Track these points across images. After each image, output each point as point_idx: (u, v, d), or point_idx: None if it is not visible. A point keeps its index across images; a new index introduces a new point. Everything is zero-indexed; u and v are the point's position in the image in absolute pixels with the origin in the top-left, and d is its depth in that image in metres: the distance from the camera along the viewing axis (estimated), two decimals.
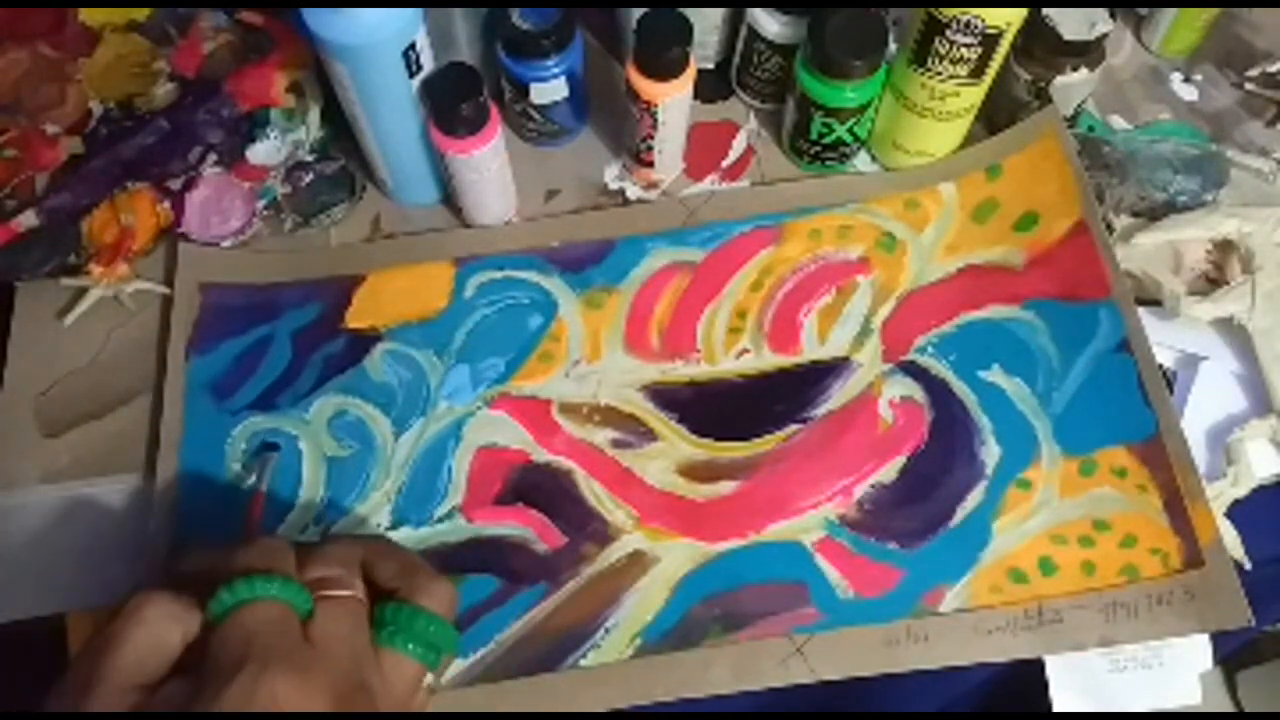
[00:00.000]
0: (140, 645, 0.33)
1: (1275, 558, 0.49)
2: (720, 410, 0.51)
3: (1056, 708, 0.47)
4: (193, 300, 0.53)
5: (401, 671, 0.36)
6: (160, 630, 0.34)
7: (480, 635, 0.46)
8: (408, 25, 0.46)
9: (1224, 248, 0.54)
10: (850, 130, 0.54)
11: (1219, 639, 0.47)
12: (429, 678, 0.38)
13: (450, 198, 0.56)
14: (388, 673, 0.36)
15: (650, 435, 0.51)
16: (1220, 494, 0.49)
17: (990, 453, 0.50)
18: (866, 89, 0.52)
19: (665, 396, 0.52)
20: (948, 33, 0.48)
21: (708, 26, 0.56)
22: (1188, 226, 0.54)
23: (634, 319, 0.53)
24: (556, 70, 0.53)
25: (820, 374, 0.52)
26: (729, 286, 0.54)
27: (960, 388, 0.51)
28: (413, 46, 0.47)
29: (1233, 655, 0.51)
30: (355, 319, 0.53)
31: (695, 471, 0.50)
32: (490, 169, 0.52)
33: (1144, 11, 0.62)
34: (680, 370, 0.52)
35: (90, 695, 0.32)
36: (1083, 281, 0.53)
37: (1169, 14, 0.60)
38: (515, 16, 0.51)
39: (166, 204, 0.55)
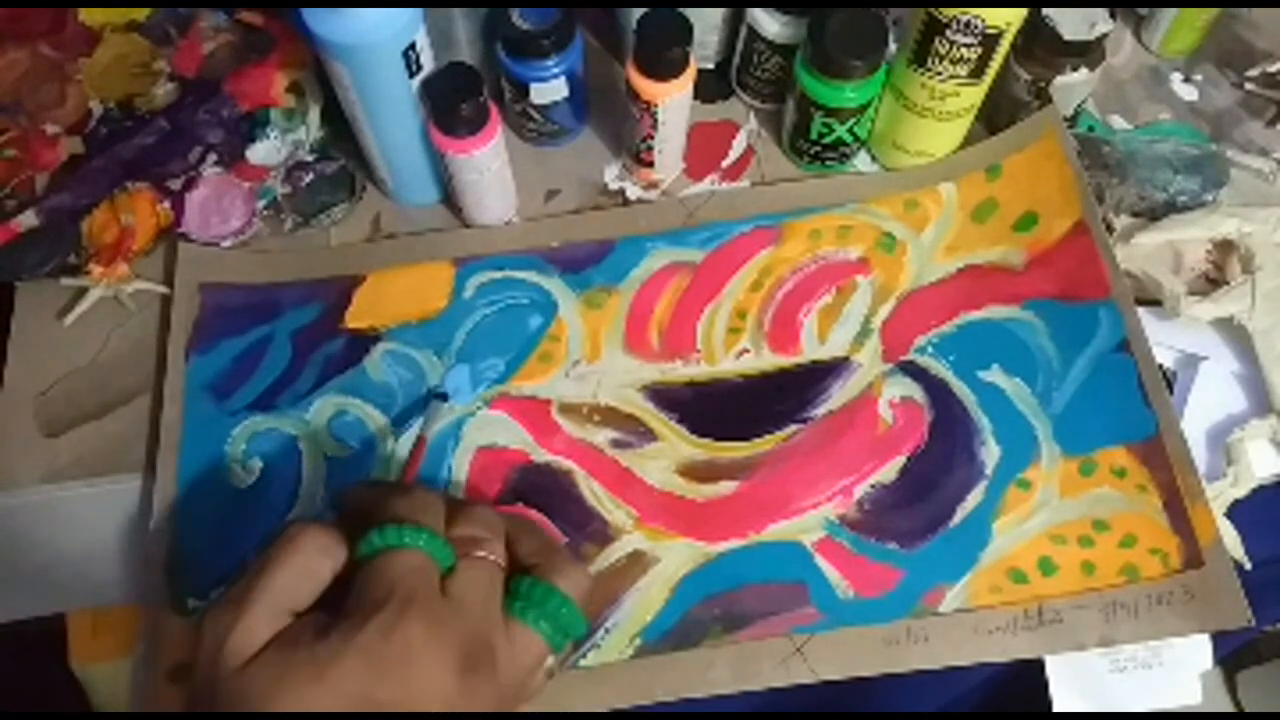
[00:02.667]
0: (294, 571, 0.35)
1: (1275, 558, 0.49)
2: (720, 410, 0.51)
3: (1057, 708, 0.47)
4: (192, 300, 0.53)
5: (527, 646, 0.37)
6: (313, 560, 0.35)
7: None
8: (408, 25, 0.46)
9: (1224, 248, 0.54)
10: (850, 130, 0.54)
11: (1219, 639, 0.47)
12: (550, 660, 0.38)
13: (450, 198, 0.56)
14: (514, 644, 0.36)
15: (650, 435, 0.51)
16: (1220, 494, 0.49)
17: (990, 453, 0.50)
18: (866, 89, 0.52)
19: (665, 396, 0.52)
20: (948, 33, 0.48)
21: (708, 26, 0.56)
22: (1188, 226, 0.54)
23: (634, 319, 0.53)
24: (556, 70, 0.53)
25: (820, 374, 0.52)
26: (729, 286, 0.54)
27: (960, 388, 0.51)
28: (413, 46, 0.47)
29: (1233, 655, 0.51)
30: (355, 319, 0.53)
31: (695, 472, 0.50)
32: (490, 169, 0.52)
33: (1144, 11, 0.62)
34: (680, 370, 0.52)
35: (244, 613, 0.33)
36: (1082, 282, 0.53)
37: (1169, 14, 0.60)
38: (515, 16, 0.51)
39: (166, 204, 0.55)
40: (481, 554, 0.37)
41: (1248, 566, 0.48)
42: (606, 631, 0.46)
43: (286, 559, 0.35)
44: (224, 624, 0.33)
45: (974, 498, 0.49)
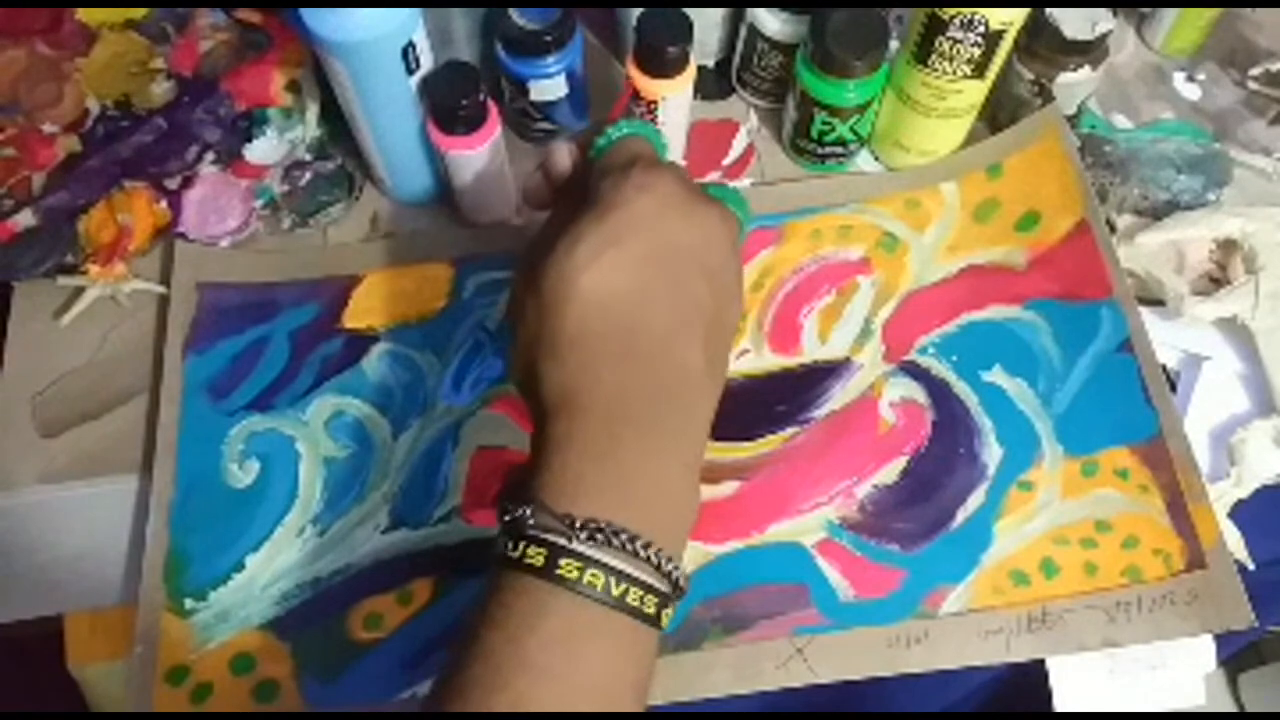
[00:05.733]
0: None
1: (1278, 559, 0.49)
2: (721, 410, 0.51)
3: (1059, 709, 0.46)
4: (189, 299, 0.53)
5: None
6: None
7: None
8: (406, 23, 0.46)
9: (1227, 247, 0.54)
10: (851, 129, 0.54)
11: (1222, 640, 0.47)
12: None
13: (449, 197, 0.55)
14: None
15: None
16: (1223, 494, 0.49)
17: (992, 454, 0.49)
18: (867, 87, 0.51)
19: None
20: (950, 31, 0.48)
21: (708, 24, 0.56)
22: (1190, 226, 0.53)
23: None
24: (556, 68, 0.52)
25: (821, 375, 0.52)
26: None
27: (962, 388, 0.51)
28: (411, 44, 0.46)
29: (1235, 656, 0.51)
30: (353, 319, 0.53)
31: None
32: (489, 168, 0.51)
33: (1146, 10, 0.62)
34: None
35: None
36: (1084, 281, 0.52)
37: (1171, 12, 0.60)
38: (514, 14, 0.51)
39: (164, 203, 0.54)
40: None
41: (1250, 567, 0.48)
42: None
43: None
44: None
45: (975, 499, 0.49)
